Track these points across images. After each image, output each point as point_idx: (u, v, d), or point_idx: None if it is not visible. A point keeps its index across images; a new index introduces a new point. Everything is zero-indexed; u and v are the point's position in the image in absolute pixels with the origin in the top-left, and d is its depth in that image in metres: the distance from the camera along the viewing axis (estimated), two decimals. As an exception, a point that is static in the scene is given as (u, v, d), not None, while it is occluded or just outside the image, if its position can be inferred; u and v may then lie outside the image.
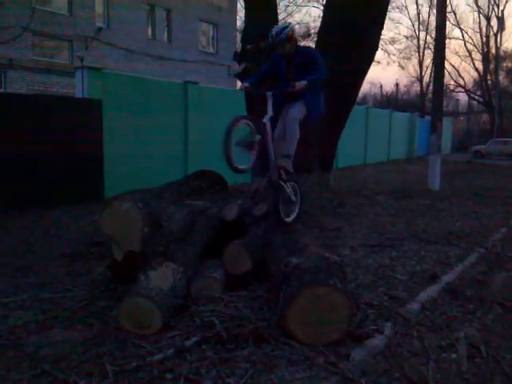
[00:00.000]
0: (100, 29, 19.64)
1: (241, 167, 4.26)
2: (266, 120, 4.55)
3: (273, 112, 4.61)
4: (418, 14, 47.48)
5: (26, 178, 7.83)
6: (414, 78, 41.48)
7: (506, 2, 48.17)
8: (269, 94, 4.59)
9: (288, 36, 4.80)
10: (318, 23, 26.27)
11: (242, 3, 23.84)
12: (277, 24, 8.21)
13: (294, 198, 4.70)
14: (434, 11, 16.21)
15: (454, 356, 2.96)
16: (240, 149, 4.32)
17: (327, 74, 4.76)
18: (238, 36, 25.67)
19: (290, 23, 5.04)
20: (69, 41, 18.78)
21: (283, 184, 4.66)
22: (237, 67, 7.69)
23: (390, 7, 10.45)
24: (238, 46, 22.77)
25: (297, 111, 4.86)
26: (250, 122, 4.45)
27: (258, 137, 4.43)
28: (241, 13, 30.00)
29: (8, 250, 5.33)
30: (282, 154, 4.74)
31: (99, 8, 20.06)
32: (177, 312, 3.32)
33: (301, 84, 4.56)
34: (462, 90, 37.91)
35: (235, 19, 28.19)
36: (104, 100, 9.02)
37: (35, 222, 6.91)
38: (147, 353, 2.84)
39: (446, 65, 17.51)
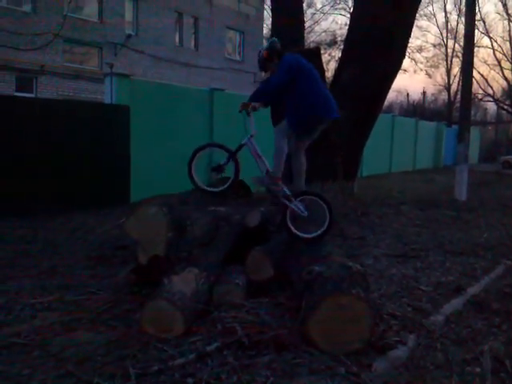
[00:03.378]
0: (129, 36, 19.97)
1: (209, 189, 4.51)
2: (243, 141, 4.49)
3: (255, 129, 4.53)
4: (447, 22, 46.34)
5: (53, 181, 8.00)
6: (441, 87, 40.98)
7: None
8: (251, 111, 4.49)
9: (263, 57, 4.72)
10: (345, 31, 26.27)
11: (270, 11, 24.00)
12: (303, 32, 8.24)
13: (304, 214, 4.23)
14: (463, 19, 16.11)
15: (478, 370, 2.91)
16: (214, 173, 4.55)
17: (274, 85, 4.50)
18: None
19: (263, 46, 4.84)
20: (98, 47, 19.15)
21: (285, 201, 4.31)
22: (263, 75, 7.73)
23: (417, 15, 10.37)
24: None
25: (279, 127, 4.81)
26: (221, 148, 4.62)
27: (225, 161, 4.53)
28: (268, 21, 30.17)
29: (35, 251, 5.46)
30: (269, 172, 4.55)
31: (129, 15, 20.41)
32: (199, 317, 3.34)
33: (243, 104, 4.48)
34: (491, 100, 37.16)
35: (262, 27, 28.35)
36: (132, 106, 9.19)
37: (62, 224, 7.04)
38: (169, 356, 2.87)
39: (475, 73, 17.23)
